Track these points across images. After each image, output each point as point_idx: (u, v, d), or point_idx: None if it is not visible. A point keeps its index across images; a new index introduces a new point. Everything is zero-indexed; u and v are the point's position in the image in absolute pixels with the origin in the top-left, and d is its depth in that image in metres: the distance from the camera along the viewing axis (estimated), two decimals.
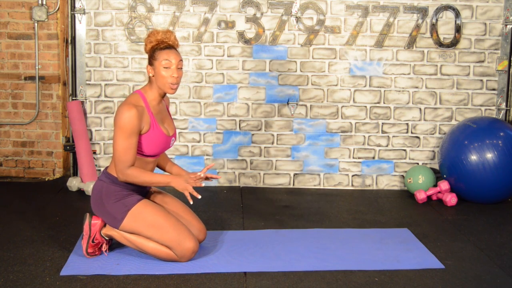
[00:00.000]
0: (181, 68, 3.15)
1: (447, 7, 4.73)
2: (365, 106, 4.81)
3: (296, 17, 4.71)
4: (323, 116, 4.81)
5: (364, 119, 4.82)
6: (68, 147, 4.81)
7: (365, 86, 4.79)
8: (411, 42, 4.76)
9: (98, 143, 4.79)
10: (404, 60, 4.78)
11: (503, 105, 4.84)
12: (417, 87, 4.81)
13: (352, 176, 4.89)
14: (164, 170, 3.49)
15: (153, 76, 3.14)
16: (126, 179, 3.10)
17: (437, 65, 4.79)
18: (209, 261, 3.20)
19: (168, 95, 3.39)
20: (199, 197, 3.06)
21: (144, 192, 3.31)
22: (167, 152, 4.76)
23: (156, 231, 3.10)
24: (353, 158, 4.86)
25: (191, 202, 3.11)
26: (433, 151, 4.88)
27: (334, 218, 4.08)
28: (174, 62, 3.10)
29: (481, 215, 4.19)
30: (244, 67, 4.75)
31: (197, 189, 4.31)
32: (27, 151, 4.89)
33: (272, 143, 4.84)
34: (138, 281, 2.95)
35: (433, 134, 4.86)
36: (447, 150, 4.49)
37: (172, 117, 4.72)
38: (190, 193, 3.08)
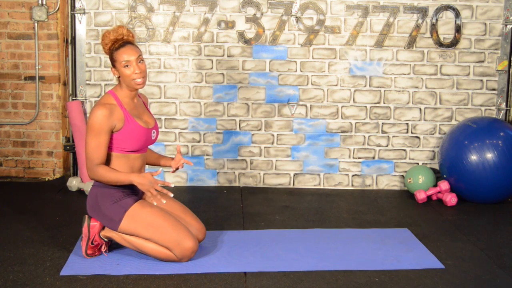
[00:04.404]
0: (142, 60, 3.17)
1: (447, 7, 4.73)
2: (365, 106, 4.81)
3: (296, 17, 4.70)
4: (323, 116, 4.81)
5: (364, 119, 4.82)
6: (68, 147, 4.81)
7: (365, 86, 4.79)
8: (411, 42, 4.76)
9: None
10: (404, 60, 4.78)
11: (503, 105, 4.83)
12: (417, 87, 4.80)
13: (352, 176, 4.88)
14: (158, 165, 3.53)
15: (118, 77, 3.18)
16: (94, 177, 3.11)
17: (437, 65, 4.79)
18: (209, 261, 3.20)
19: (141, 90, 3.38)
20: (171, 195, 3.10)
21: (140, 193, 3.29)
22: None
23: (155, 231, 3.10)
24: (353, 158, 4.86)
25: (155, 203, 3.13)
26: (433, 151, 4.87)
27: (334, 218, 4.07)
28: (132, 58, 3.12)
29: (481, 215, 4.19)
30: (244, 67, 4.75)
31: (196, 189, 4.30)
32: (27, 151, 4.88)
33: (272, 143, 4.84)
34: (138, 281, 2.95)
35: (433, 134, 4.85)
36: (447, 150, 4.49)
37: (172, 117, 4.75)
38: (158, 198, 3.09)
